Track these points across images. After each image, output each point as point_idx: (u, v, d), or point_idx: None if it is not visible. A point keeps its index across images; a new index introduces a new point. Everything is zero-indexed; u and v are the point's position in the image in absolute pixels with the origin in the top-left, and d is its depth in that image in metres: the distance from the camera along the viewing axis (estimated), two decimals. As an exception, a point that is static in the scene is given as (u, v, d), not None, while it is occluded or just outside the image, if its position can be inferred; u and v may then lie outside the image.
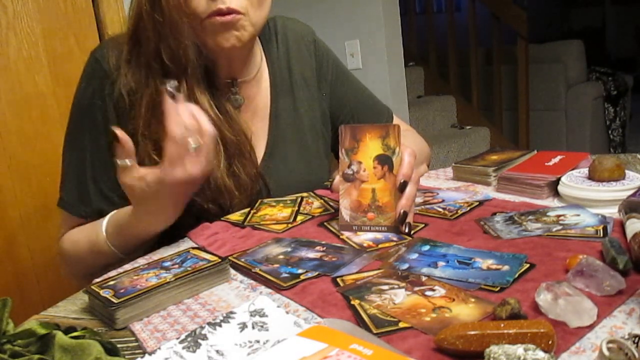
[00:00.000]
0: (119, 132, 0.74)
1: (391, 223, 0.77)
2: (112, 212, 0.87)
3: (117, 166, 0.76)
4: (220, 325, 0.55)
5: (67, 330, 0.51)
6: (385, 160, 0.79)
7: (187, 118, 0.74)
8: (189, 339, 0.52)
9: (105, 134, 0.88)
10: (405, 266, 0.64)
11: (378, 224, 0.78)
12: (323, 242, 0.75)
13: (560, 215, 0.74)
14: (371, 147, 0.79)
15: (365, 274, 0.63)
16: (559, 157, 0.93)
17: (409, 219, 0.76)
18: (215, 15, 0.82)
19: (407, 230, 0.75)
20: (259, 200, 0.95)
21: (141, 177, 0.76)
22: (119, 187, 0.88)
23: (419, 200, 0.88)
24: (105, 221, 0.86)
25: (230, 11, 0.82)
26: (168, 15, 0.81)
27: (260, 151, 0.98)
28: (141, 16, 0.84)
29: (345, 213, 0.79)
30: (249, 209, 0.92)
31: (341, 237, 0.77)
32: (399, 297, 0.57)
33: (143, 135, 0.85)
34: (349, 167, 0.80)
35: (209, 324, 0.55)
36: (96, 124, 0.89)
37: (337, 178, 0.81)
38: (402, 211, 0.75)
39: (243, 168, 0.91)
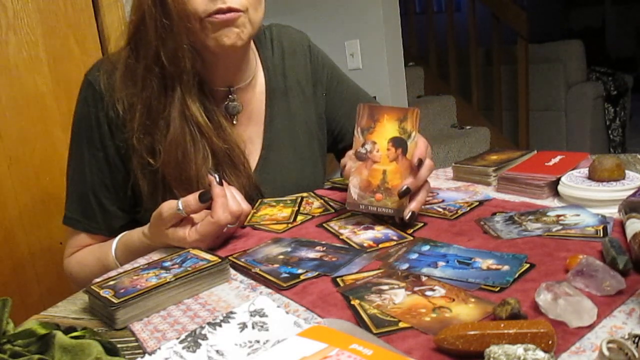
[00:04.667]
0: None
1: (398, 206, 0.77)
2: (119, 237, 0.91)
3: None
4: (220, 325, 0.55)
5: (67, 330, 0.51)
6: (400, 143, 0.78)
7: (232, 202, 0.79)
8: (189, 339, 0.52)
9: (102, 149, 0.92)
10: (405, 266, 0.64)
11: (385, 205, 0.77)
12: (323, 242, 0.75)
13: (560, 215, 0.74)
14: (388, 128, 0.79)
15: (365, 274, 0.63)
16: (559, 157, 0.93)
17: (415, 207, 0.76)
18: (215, 14, 0.83)
19: (408, 218, 0.75)
20: (259, 200, 0.95)
21: (182, 239, 0.78)
22: (117, 200, 0.94)
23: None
24: (114, 246, 0.90)
25: (230, 9, 0.84)
26: (175, 16, 0.83)
27: (255, 156, 1.00)
28: (143, 19, 0.85)
29: (354, 191, 0.79)
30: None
31: (341, 237, 0.77)
32: (399, 297, 0.57)
33: (138, 139, 0.88)
34: (362, 145, 0.80)
35: (209, 324, 0.55)
36: (93, 141, 0.93)
37: (348, 154, 0.81)
38: (404, 187, 0.75)
39: (236, 178, 0.93)
